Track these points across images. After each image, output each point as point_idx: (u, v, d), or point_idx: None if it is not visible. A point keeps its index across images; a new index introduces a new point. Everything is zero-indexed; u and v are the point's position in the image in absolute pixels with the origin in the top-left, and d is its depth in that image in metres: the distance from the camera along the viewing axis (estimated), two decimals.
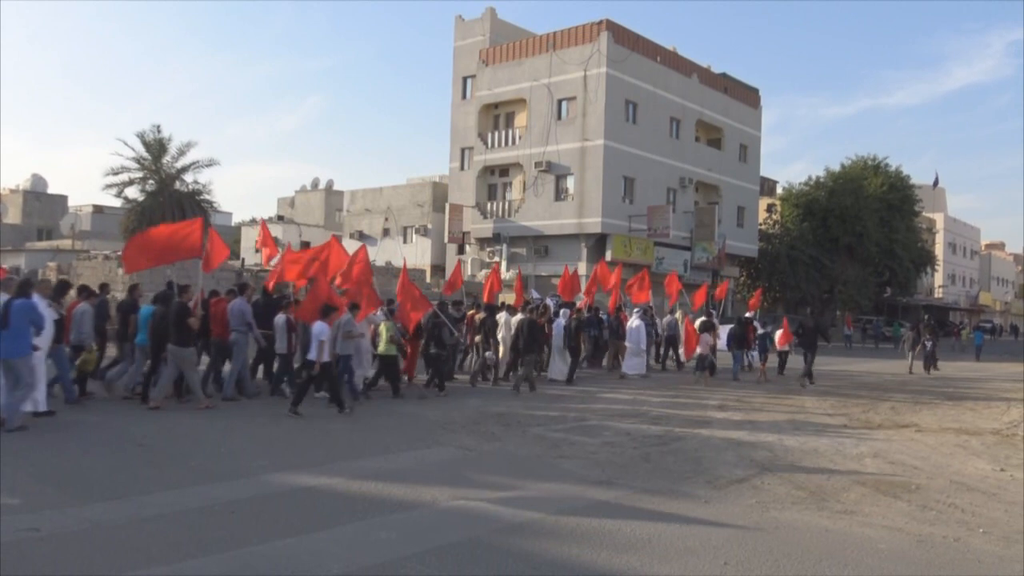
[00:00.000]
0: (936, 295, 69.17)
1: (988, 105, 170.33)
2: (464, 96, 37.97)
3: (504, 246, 35.03)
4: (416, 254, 39.00)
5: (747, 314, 20.65)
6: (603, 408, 12.73)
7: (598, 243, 33.41)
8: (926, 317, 31.87)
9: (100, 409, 10.78)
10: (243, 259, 38.09)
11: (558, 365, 16.78)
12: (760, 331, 19.77)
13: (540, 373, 16.29)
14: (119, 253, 24.19)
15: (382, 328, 12.96)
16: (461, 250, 37.08)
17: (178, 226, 12.64)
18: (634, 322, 18.89)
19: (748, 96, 42.70)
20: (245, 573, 4.78)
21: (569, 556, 5.26)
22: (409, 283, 14.13)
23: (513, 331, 15.61)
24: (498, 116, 37.13)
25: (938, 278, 68.03)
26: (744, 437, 10.27)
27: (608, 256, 32.66)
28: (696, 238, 37.49)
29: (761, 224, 46.19)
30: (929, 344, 23.50)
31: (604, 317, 19.70)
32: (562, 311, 17.70)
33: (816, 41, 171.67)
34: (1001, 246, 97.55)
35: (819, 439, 10.34)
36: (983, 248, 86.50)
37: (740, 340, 18.72)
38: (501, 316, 16.73)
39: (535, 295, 23.09)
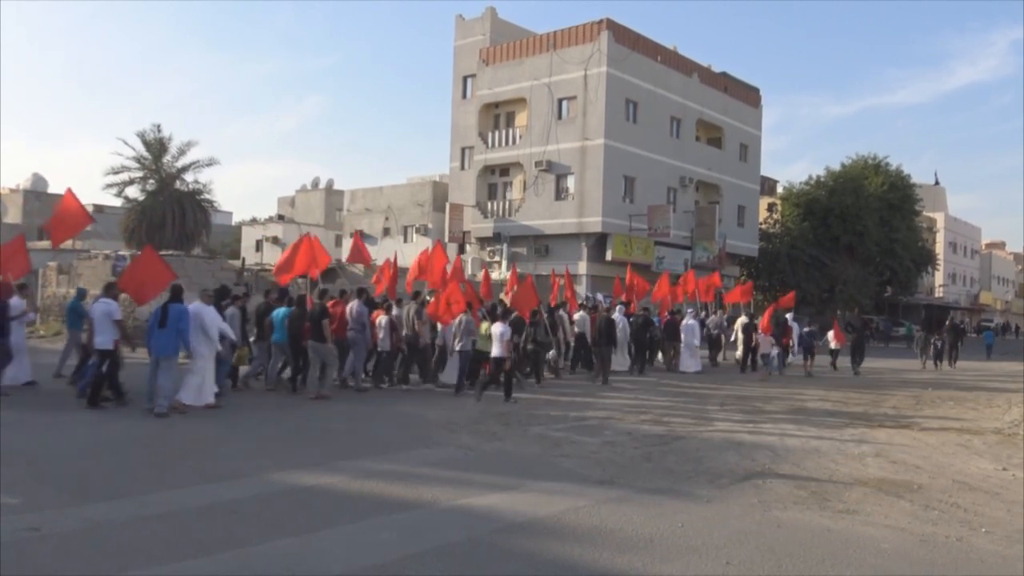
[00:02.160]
0: (937, 294, 69.12)
1: (990, 104, 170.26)
2: (464, 95, 37.91)
3: (504, 246, 35.00)
4: (416, 254, 38.90)
5: (786, 314, 22.09)
6: (604, 407, 12.71)
7: (598, 242, 33.38)
8: (948, 319, 32.22)
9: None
10: (243, 258, 38.03)
11: (620, 359, 18.19)
12: (804, 330, 21.48)
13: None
14: (120, 253, 24.30)
15: (484, 327, 13.73)
16: (462, 250, 37.05)
17: (307, 246, 14.80)
18: (688, 320, 20.39)
19: (749, 95, 42.64)
20: (245, 573, 4.76)
21: (570, 556, 5.24)
22: (531, 285, 16.36)
23: (589, 329, 17.37)
24: (498, 115, 37.08)
25: (939, 277, 67.92)
26: (745, 437, 10.26)
27: (608, 256, 32.69)
28: (696, 237, 37.45)
29: (761, 223, 46.12)
30: (940, 343, 25.20)
31: (655, 319, 20.79)
32: (619, 307, 19.28)
33: (818, 40, 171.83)
34: (1002, 245, 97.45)
35: (821, 438, 10.33)
36: (984, 247, 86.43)
37: (779, 338, 20.19)
38: (561, 315, 18.07)
39: (587, 295, 24.75)
